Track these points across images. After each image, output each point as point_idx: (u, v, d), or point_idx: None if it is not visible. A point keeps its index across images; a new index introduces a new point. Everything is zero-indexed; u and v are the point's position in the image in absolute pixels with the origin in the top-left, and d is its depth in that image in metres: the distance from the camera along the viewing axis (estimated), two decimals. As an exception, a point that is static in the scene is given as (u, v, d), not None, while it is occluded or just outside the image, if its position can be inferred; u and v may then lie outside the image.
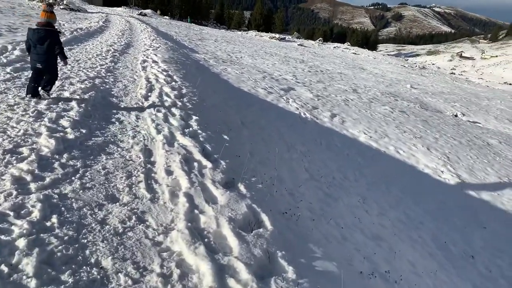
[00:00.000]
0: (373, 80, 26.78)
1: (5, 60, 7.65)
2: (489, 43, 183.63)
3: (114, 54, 11.51)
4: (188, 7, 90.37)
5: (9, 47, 9.18)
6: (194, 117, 6.26)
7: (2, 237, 2.61)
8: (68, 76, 7.01)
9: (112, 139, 4.82)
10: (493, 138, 15.94)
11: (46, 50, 5.45)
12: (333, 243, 4.36)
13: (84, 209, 3.14)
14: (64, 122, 4.89)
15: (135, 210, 3.30)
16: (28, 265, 2.41)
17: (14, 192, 3.11)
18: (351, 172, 8.52)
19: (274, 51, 34.21)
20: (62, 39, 11.28)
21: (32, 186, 3.27)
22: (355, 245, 4.74)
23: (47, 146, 4.05)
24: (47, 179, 3.43)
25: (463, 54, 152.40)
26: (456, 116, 19.63)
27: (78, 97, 6.10)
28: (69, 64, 8.18)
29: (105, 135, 4.92)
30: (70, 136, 4.50)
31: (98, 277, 2.48)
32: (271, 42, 52.83)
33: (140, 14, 52.87)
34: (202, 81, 10.18)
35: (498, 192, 9.42)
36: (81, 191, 3.40)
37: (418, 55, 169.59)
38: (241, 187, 4.05)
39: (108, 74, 8.55)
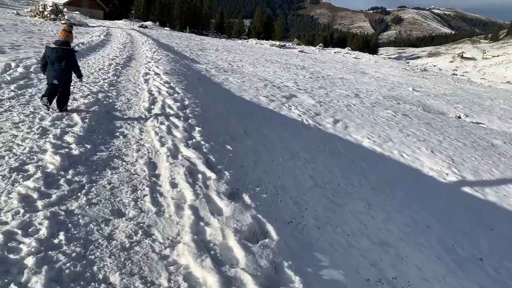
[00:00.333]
0: (375, 84, 26.82)
1: (9, 78, 7.73)
2: (490, 43, 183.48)
3: (116, 67, 11.61)
4: (188, 18, 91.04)
5: (13, 64, 9.28)
6: (197, 128, 6.30)
7: (11, 256, 2.64)
8: (71, 91, 7.06)
9: (116, 153, 4.87)
10: (497, 138, 15.89)
11: (63, 68, 5.80)
12: (339, 250, 4.36)
13: (91, 225, 3.17)
14: (68, 138, 4.94)
15: (141, 224, 3.33)
16: (37, 283, 2.44)
17: (22, 210, 3.14)
18: (355, 178, 8.52)
19: (275, 59, 34.35)
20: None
21: (39, 203, 3.31)
22: (361, 252, 4.74)
23: (52, 163, 4.10)
24: (54, 196, 3.47)
25: (464, 55, 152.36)
26: (459, 117, 19.59)
27: (82, 112, 6.16)
28: (84, 81, 8.29)
29: (110, 149, 4.96)
30: (75, 152, 4.55)
31: (107, 293, 2.50)
32: (272, 49, 53.06)
33: (141, 26, 53.32)
34: (204, 92, 10.24)
35: (504, 193, 9.38)
36: (87, 207, 3.43)
37: (419, 57, 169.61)
38: (246, 198, 4.07)
39: (111, 88, 8.62)
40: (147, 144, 5.35)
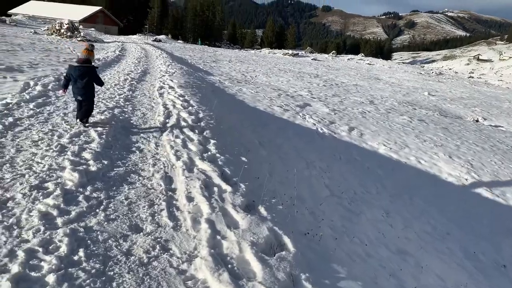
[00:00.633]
0: (390, 90, 26.63)
1: (28, 96, 7.93)
2: (506, 44, 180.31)
3: (132, 82, 11.80)
4: (201, 30, 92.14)
5: (31, 83, 9.52)
6: (212, 141, 6.35)
7: (33, 273, 2.70)
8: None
9: (133, 168, 4.94)
10: (517, 141, 15.56)
11: (85, 84, 6.07)
12: (357, 261, 4.32)
13: (109, 240, 3.22)
14: (86, 155, 5.03)
15: (158, 239, 3.36)
16: (58, 300, 2.48)
17: (42, 228, 3.21)
18: (372, 185, 8.44)
19: (288, 68, 34.44)
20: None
21: (59, 220, 3.37)
22: (380, 262, 4.68)
23: (71, 180, 4.18)
24: (73, 213, 3.53)
25: (481, 57, 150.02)
26: (477, 121, 19.28)
27: (99, 128, 6.27)
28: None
29: (126, 164, 5.04)
30: (93, 168, 4.63)
31: (126, 309, 2.53)
32: (285, 58, 53.23)
33: (155, 40, 54.15)
34: (218, 104, 10.32)
35: (526, 198, 9.16)
36: (105, 223, 3.49)
37: (434, 61, 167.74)
38: (262, 210, 4.08)
39: (127, 103, 8.76)
40: (163, 158, 5.41)
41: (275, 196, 4.80)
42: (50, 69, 12.58)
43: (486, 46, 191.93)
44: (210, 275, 2.90)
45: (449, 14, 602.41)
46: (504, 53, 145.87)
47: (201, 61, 28.93)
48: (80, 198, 3.86)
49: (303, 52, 77.50)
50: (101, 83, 6.49)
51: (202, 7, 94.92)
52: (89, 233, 3.27)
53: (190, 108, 8.63)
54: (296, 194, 5.51)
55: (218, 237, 3.46)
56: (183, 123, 7.24)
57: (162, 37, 65.90)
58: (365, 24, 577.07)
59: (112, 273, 2.84)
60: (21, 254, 2.84)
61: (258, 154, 7.48)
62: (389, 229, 6.33)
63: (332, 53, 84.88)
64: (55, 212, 3.49)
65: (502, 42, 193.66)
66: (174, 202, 4.14)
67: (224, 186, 4.52)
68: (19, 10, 67.03)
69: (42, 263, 2.81)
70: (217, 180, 4.69)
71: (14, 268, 2.71)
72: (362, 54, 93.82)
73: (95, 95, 6.52)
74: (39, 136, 5.56)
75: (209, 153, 5.76)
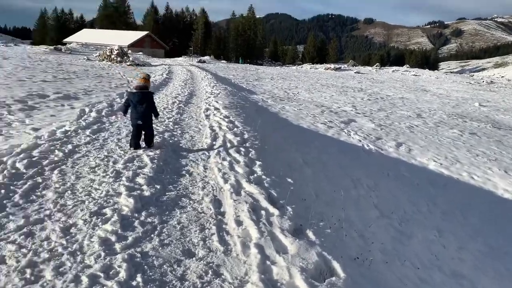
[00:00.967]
0: (438, 102, 25.80)
1: (84, 123, 8.42)
2: None
3: (179, 105, 12.24)
4: (243, 49, 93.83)
5: (87, 109, 10.10)
6: (258, 162, 6.45)
7: (96, 298, 2.87)
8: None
9: (184, 192, 5.12)
10: None
11: (144, 109, 6.53)
12: (410, 286, 4.22)
13: (164, 266, 3.36)
14: (140, 180, 5.28)
15: (210, 264, 3.46)
16: (120, 325, 2.62)
17: (102, 253, 3.41)
18: (423, 204, 8.20)
19: (331, 82, 34.28)
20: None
21: (117, 246, 3.56)
22: (433, 287, 4.54)
23: (127, 206, 4.40)
24: (130, 239, 3.72)
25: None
26: (535, 132, 18.21)
27: (150, 153, 6.56)
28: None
29: (177, 188, 5.23)
30: (147, 193, 4.85)
31: (182, 334, 2.63)
32: (327, 73, 53.02)
33: (199, 61, 55.76)
34: (262, 123, 10.47)
35: None
36: (160, 248, 3.64)
37: (484, 69, 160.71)
38: (310, 234, 4.09)
39: (176, 126, 9.10)
40: (211, 181, 5.57)
41: (322, 218, 4.80)
42: (103, 95, 13.31)
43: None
44: (261, 301, 2.95)
45: (499, 20, 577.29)
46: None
47: (244, 80, 29.44)
48: (136, 223, 4.05)
49: (345, 66, 76.82)
50: (156, 114, 6.90)
51: (244, 27, 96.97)
52: (145, 258, 3.43)
53: (235, 129, 8.82)
54: (344, 215, 5.47)
55: (268, 262, 3.52)
56: (229, 145, 7.41)
57: (206, 58, 67.77)
58: (409, 34, 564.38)
59: (168, 298, 2.96)
60: (85, 280, 3.03)
61: (304, 174, 7.49)
62: (442, 250, 6.11)
63: (376, 66, 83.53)
64: (113, 238, 3.69)
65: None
66: (224, 226, 4.24)
67: (272, 209, 4.58)
68: (73, 39, 71.49)
69: (104, 288, 2.98)
70: (264, 203, 4.76)
71: (79, 292, 2.89)
72: (407, 65, 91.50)
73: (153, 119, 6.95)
74: (96, 163, 5.90)
75: (255, 175, 5.85)
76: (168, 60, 52.30)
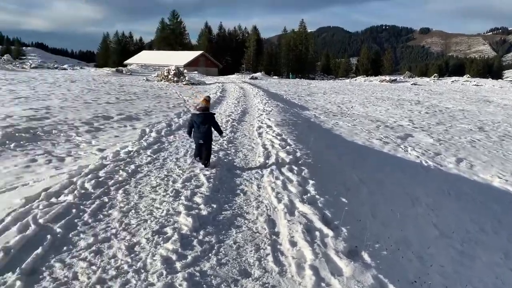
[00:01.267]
0: (502, 114, 24.35)
1: (145, 143, 8.89)
2: None
3: (233, 124, 12.55)
4: (295, 64, 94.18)
5: (147, 130, 10.65)
6: (311, 182, 6.47)
7: (159, 315, 3.04)
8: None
9: (239, 212, 5.26)
10: None
11: (206, 129, 7.00)
12: (473, 313, 4.03)
13: (222, 285, 3.49)
14: (197, 199, 5.51)
15: (266, 285, 3.54)
16: None
17: (164, 272, 3.60)
18: (487, 223, 7.78)
19: (386, 95, 33.50)
20: (187, 115, 12.73)
21: (178, 265, 3.75)
22: (500, 314, 4.30)
23: (186, 225, 4.61)
24: (189, 257, 3.90)
25: None
26: None
27: (207, 172, 6.80)
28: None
29: (233, 208, 5.39)
30: (204, 213, 5.05)
31: None
32: (382, 85, 51.86)
33: (252, 78, 56.72)
34: (314, 140, 10.48)
35: None
36: (217, 267, 3.78)
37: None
38: (365, 256, 4.06)
39: (230, 145, 9.34)
40: (265, 201, 5.68)
41: (378, 240, 4.73)
42: (162, 115, 13.95)
43: None
44: (316, 324, 2.98)
45: None
46: None
47: (296, 95, 29.54)
48: (195, 242, 4.24)
49: (401, 77, 74.76)
50: (220, 132, 7.46)
51: (295, 41, 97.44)
52: (204, 277, 3.58)
53: (287, 147, 8.90)
54: (401, 236, 5.34)
55: (323, 284, 3.54)
56: (282, 164, 7.50)
57: (258, 74, 68.80)
58: (469, 42, 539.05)
59: (226, 317, 3.07)
60: (148, 297, 3.22)
61: (359, 193, 7.39)
62: (509, 274, 5.76)
63: (434, 76, 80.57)
64: (174, 257, 3.89)
65: None
66: (278, 246, 4.31)
67: (326, 230, 4.59)
68: (133, 60, 75.47)
69: (166, 306, 3.15)
70: (318, 224, 4.79)
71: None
72: (468, 75, 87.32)
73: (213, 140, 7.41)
74: (156, 182, 6.23)
75: (309, 194, 5.88)
76: (222, 78, 53.67)
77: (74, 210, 4.92)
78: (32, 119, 11.38)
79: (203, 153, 7.17)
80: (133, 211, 5.03)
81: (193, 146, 8.40)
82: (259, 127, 11.75)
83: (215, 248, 4.16)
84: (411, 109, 23.79)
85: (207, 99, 7.48)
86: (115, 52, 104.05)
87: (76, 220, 4.67)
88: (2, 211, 4.82)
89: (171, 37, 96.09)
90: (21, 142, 8.82)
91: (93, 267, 3.66)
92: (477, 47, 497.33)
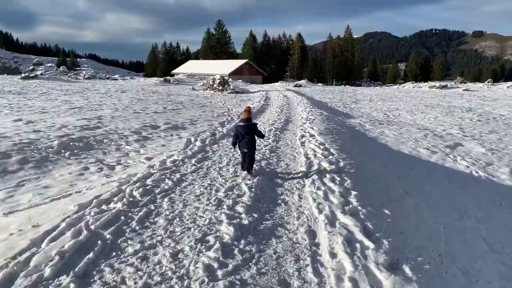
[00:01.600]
0: None
1: (190, 153, 9.18)
2: None
3: (276, 132, 12.64)
4: (340, 71, 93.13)
5: (192, 139, 10.98)
6: (353, 192, 6.42)
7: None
8: (239, 162, 8.04)
9: (279, 222, 5.32)
10: None
11: (250, 139, 7.33)
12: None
13: (261, 295, 3.56)
14: (239, 208, 5.63)
15: (304, 296, 3.58)
16: None
17: (206, 279, 3.73)
18: (543, 239, 7.33)
19: (435, 102, 32.38)
20: (231, 124, 12.97)
21: (219, 273, 3.87)
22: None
23: (227, 233, 4.74)
24: (230, 266, 4.01)
25: None
26: None
27: (248, 181, 6.93)
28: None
29: (274, 218, 5.46)
30: (245, 222, 5.16)
31: None
32: (431, 92, 50.12)
33: (296, 85, 56.63)
34: (358, 149, 10.35)
35: None
36: (257, 276, 3.86)
37: None
38: (406, 269, 3.99)
39: (272, 154, 9.43)
40: (306, 211, 5.70)
41: (421, 253, 4.62)
42: (206, 124, 14.31)
43: None
44: (354, 337, 2.98)
45: None
46: None
47: (341, 103, 29.22)
48: (236, 251, 4.35)
49: (452, 83, 71.88)
50: (262, 136, 7.78)
51: (341, 48, 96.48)
52: (244, 286, 3.67)
53: (330, 157, 8.86)
54: (446, 250, 5.19)
55: (362, 297, 3.52)
56: (324, 174, 7.49)
57: (302, 82, 68.65)
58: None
59: (264, 327, 3.14)
60: (191, 303, 3.35)
61: (403, 204, 7.23)
62: None
63: (488, 82, 76.71)
64: (216, 265, 4.01)
65: None
66: (318, 257, 4.33)
67: (367, 242, 4.55)
68: (180, 70, 77.76)
69: (207, 312, 3.26)
70: (359, 235, 4.75)
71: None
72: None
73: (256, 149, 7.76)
74: (200, 191, 6.42)
75: (351, 205, 5.84)
76: (266, 86, 54.05)
77: (122, 217, 5.19)
78: (85, 128, 12.06)
79: (246, 161, 7.43)
80: (177, 219, 5.23)
81: (236, 155, 8.59)
82: (302, 136, 11.77)
83: (255, 257, 4.25)
84: (462, 116, 22.85)
85: (248, 110, 7.77)
86: (163, 62, 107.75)
87: (124, 227, 4.92)
88: (57, 217, 5.17)
89: (216, 46, 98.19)
90: (75, 151, 9.38)
91: (140, 273, 3.85)
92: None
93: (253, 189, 6.49)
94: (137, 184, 6.50)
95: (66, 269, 3.85)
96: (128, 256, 4.18)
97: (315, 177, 7.28)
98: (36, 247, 4.30)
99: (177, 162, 8.20)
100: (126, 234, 4.72)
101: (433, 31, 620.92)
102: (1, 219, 5.39)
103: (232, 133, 8.58)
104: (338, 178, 7.19)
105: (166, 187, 6.54)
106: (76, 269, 3.84)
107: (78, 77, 52.78)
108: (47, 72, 57.21)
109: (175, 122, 14.50)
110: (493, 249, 6.30)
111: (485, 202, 8.81)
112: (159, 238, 4.65)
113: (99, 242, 4.45)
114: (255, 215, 5.43)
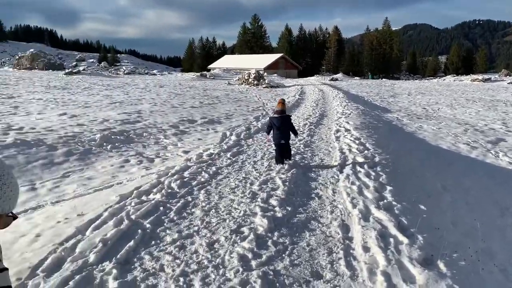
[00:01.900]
0: None
1: (225, 146, 9.36)
2: None
3: (310, 127, 12.64)
4: (378, 64, 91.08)
5: (228, 133, 11.17)
6: (388, 188, 6.38)
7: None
8: (273, 156, 8.13)
9: (313, 215, 5.39)
10: None
11: (284, 130, 7.55)
12: None
13: (294, 285, 3.66)
14: (273, 201, 5.73)
15: (337, 288, 3.65)
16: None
17: (240, 269, 3.86)
18: None
19: (478, 96, 31.17)
20: (266, 118, 13.06)
21: (253, 263, 3.99)
22: None
23: (261, 225, 4.86)
24: (264, 257, 4.12)
25: None
26: None
27: (282, 175, 7.01)
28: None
29: (307, 211, 5.53)
30: (279, 215, 5.26)
31: None
32: (474, 85, 48.20)
33: (332, 79, 55.91)
34: (395, 145, 10.20)
35: None
36: (290, 267, 3.96)
37: None
38: (441, 265, 3.97)
39: (306, 149, 9.47)
40: (339, 206, 5.73)
41: (457, 249, 4.56)
42: (241, 118, 14.48)
43: None
44: (385, 329, 3.02)
45: None
46: None
47: (378, 97, 28.70)
48: (269, 242, 4.46)
49: (496, 76, 68.73)
50: (296, 133, 8.01)
51: (379, 40, 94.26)
52: (277, 276, 3.78)
53: (366, 152, 8.79)
54: (484, 247, 5.08)
55: (394, 291, 3.55)
56: (359, 169, 7.46)
57: (338, 75, 67.73)
58: None
59: (296, 315, 3.24)
60: (224, 292, 3.50)
61: (440, 200, 7.10)
62: None
63: (536, 74, 72.80)
64: (250, 255, 4.14)
65: None
66: (351, 251, 4.37)
67: (401, 237, 4.54)
68: (216, 65, 78.44)
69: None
70: (393, 230, 4.75)
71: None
72: None
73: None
74: (235, 184, 6.58)
75: (385, 200, 5.82)
76: (301, 80, 53.70)
77: (161, 208, 5.42)
78: (126, 122, 12.51)
79: (284, 151, 7.69)
80: (213, 210, 5.41)
81: (270, 149, 8.68)
82: (337, 131, 11.72)
83: (289, 249, 4.34)
84: (506, 111, 21.91)
85: (282, 102, 7.99)
86: (199, 57, 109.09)
87: (163, 217, 5.14)
88: (100, 207, 5.46)
89: (252, 40, 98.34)
90: (116, 144, 9.78)
91: (177, 261, 4.03)
92: None
93: (287, 183, 6.57)
94: (175, 177, 6.73)
95: (109, 256, 4.09)
96: (166, 245, 4.38)
97: (349, 171, 7.27)
98: (81, 234, 4.58)
99: (213, 155, 8.40)
100: (165, 224, 4.93)
101: (477, 22, 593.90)
102: (49, 208, 5.76)
103: (265, 127, 8.97)
104: (373, 173, 7.15)
105: (202, 179, 6.74)
106: (118, 256, 4.06)
107: (118, 72, 54.41)
108: (89, 68, 59.29)
109: (211, 116, 14.76)
110: (535, 248, 6.09)
111: (528, 199, 8.48)
112: (196, 228, 4.83)
113: (139, 231, 4.68)
114: (289, 208, 5.52)
